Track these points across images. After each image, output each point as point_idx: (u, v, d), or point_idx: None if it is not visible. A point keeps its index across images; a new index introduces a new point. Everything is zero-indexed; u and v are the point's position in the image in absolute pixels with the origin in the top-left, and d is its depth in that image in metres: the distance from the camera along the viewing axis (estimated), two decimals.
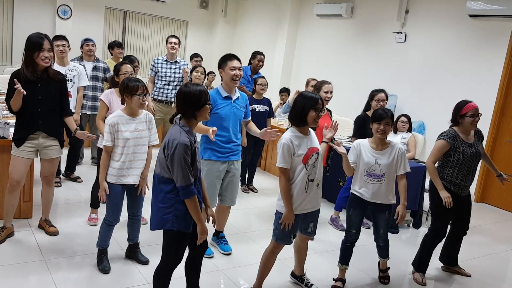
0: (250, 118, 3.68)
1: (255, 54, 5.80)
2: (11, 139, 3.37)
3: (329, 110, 4.40)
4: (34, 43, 3.19)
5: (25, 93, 3.10)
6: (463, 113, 3.36)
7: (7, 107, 3.35)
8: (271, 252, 2.96)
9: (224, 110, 3.40)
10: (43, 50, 3.20)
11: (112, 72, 5.36)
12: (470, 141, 3.42)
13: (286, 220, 2.82)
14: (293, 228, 2.87)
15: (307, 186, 2.84)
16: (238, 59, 3.46)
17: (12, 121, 3.93)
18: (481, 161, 3.58)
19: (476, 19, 6.06)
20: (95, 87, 5.22)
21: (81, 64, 5.00)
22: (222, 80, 3.49)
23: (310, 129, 2.94)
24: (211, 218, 2.67)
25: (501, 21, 5.83)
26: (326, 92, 4.08)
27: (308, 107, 2.79)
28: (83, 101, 5.04)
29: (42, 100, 3.30)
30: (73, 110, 4.20)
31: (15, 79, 3.10)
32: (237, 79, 3.41)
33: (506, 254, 4.44)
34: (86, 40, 5.26)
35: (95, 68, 5.25)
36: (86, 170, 5.38)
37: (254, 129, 3.64)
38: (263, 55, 5.83)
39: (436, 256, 3.73)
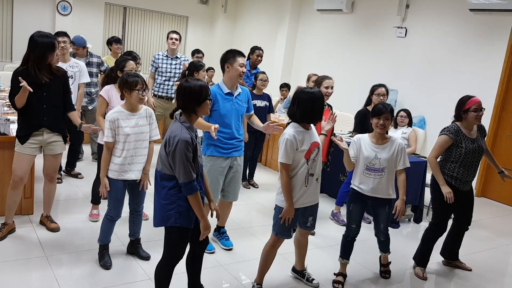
0: (252, 111, 3.67)
1: (254, 49, 5.79)
2: (15, 136, 3.37)
3: (329, 105, 4.40)
4: (49, 44, 3.20)
5: (31, 90, 3.10)
6: (467, 108, 3.35)
7: (10, 104, 3.35)
8: (271, 246, 2.97)
9: (226, 107, 3.38)
10: (56, 49, 3.23)
11: (106, 65, 5.36)
12: (473, 136, 3.41)
13: (286, 214, 2.82)
14: (293, 222, 2.88)
15: (306, 180, 2.85)
16: (244, 56, 3.49)
17: (13, 117, 3.93)
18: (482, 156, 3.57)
19: (477, 13, 6.03)
20: (88, 83, 5.10)
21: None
22: (223, 75, 3.47)
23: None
24: (214, 213, 2.67)
25: (501, 15, 5.81)
26: (327, 87, 4.06)
27: (322, 104, 2.83)
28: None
29: (47, 96, 3.31)
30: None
31: (19, 77, 3.09)
32: (243, 75, 3.44)
33: (507, 248, 4.44)
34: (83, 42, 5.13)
35: (88, 64, 5.17)
36: (86, 166, 5.38)
37: (257, 122, 3.64)
38: (262, 50, 5.81)
39: (437, 250, 3.73)
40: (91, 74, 5.16)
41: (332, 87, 4.10)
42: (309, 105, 2.81)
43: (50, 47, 3.20)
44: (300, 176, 2.83)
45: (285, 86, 7.13)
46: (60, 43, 4.41)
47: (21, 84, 3.06)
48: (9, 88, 3.45)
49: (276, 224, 2.92)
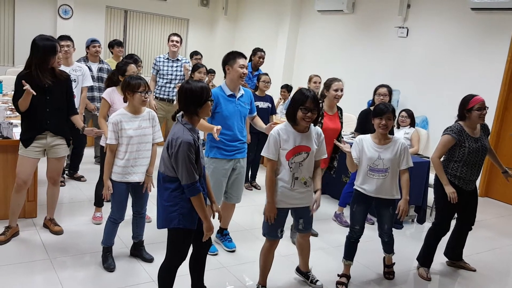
0: (255, 113, 3.67)
1: (256, 51, 5.81)
2: (19, 139, 3.38)
3: (339, 109, 4.18)
4: (50, 47, 3.21)
5: (34, 93, 3.11)
6: (470, 107, 3.34)
7: (13, 107, 3.36)
8: (267, 249, 2.97)
9: (229, 109, 3.38)
10: (57, 52, 3.23)
11: None
12: (476, 136, 3.40)
13: (266, 212, 2.83)
14: (279, 222, 2.87)
15: (292, 183, 2.84)
16: (245, 57, 3.47)
17: (16, 121, 3.94)
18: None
19: (479, 12, 6.02)
20: (100, 88, 5.14)
21: (86, 65, 4.97)
22: (225, 77, 3.47)
23: (312, 127, 2.90)
24: (216, 214, 2.68)
25: (503, 14, 5.80)
26: (336, 90, 3.90)
27: (297, 106, 2.75)
28: (95, 104, 5.06)
29: (50, 100, 3.32)
30: None
31: (23, 81, 3.11)
32: (244, 77, 3.42)
33: (511, 249, 4.42)
34: (93, 41, 5.21)
35: (100, 70, 5.21)
36: (89, 169, 5.39)
37: (260, 124, 3.64)
38: (264, 52, 5.83)
39: (440, 251, 3.72)
40: (102, 80, 5.13)
41: (341, 90, 3.95)
42: (289, 105, 2.81)
43: (51, 50, 3.21)
44: (284, 177, 2.83)
45: (285, 87, 7.08)
46: (64, 47, 4.43)
47: (24, 88, 3.08)
48: (12, 92, 3.46)
49: (263, 224, 2.93)
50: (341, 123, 4.08)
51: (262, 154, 2.85)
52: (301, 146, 2.82)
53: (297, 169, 2.83)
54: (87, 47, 5.22)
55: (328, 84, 3.98)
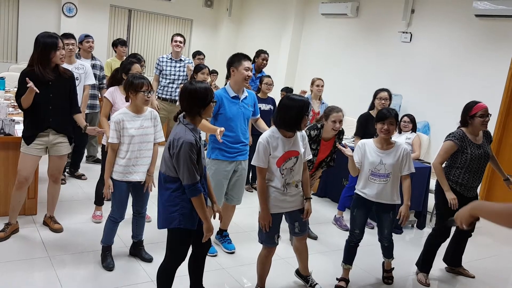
0: (258, 115, 3.67)
1: (259, 52, 5.80)
2: (21, 136, 3.39)
3: (338, 134, 3.80)
4: (50, 43, 3.22)
5: (37, 91, 3.12)
6: (473, 113, 3.34)
7: (16, 104, 3.36)
8: (264, 256, 2.96)
9: (232, 110, 3.38)
10: (59, 48, 3.25)
11: (104, 72, 5.37)
12: (478, 142, 3.40)
13: (261, 220, 2.81)
14: (274, 228, 2.85)
15: (284, 187, 2.83)
16: (251, 60, 3.47)
17: (18, 118, 3.95)
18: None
19: (482, 19, 6.02)
20: (94, 85, 5.11)
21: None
22: (228, 78, 3.47)
23: (297, 131, 2.86)
24: (217, 215, 2.68)
25: (507, 21, 5.80)
26: (334, 122, 3.61)
27: (303, 113, 2.72)
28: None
29: (53, 98, 3.33)
30: None
31: (26, 78, 3.12)
32: (249, 79, 3.41)
33: (511, 256, 4.42)
34: (87, 36, 5.17)
35: (93, 67, 5.16)
36: (90, 168, 5.39)
37: (262, 126, 3.64)
38: (267, 54, 5.83)
39: (440, 256, 3.72)
40: (94, 76, 5.14)
41: (340, 121, 3.64)
42: (288, 112, 2.75)
43: (52, 46, 3.22)
44: (276, 184, 2.81)
45: (284, 90, 7.01)
46: (69, 45, 4.43)
47: (27, 85, 3.09)
48: (14, 88, 3.47)
49: (259, 232, 2.91)
50: (337, 144, 3.94)
51: (252, 163, 2.82)
52: (290, 152, 2.81)
53: (289, 175, 2.83)
54: (80, 42, 5.13)
55: (327, 113, 3.67)
